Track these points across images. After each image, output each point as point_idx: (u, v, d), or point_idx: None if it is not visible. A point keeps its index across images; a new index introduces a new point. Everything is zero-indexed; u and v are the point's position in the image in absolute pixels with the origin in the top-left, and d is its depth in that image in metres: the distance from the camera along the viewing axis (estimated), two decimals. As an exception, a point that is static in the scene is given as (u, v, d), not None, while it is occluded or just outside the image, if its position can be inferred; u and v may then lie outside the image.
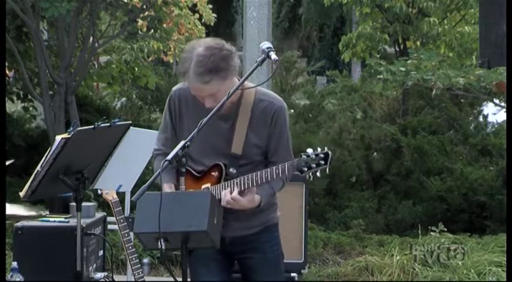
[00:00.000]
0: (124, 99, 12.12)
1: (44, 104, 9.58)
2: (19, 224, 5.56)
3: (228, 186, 3.94)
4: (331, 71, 13.74)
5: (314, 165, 3.81)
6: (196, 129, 3.76)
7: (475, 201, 9.55)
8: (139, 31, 10.39)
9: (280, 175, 3.87)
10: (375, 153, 10.38)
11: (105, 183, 4.79)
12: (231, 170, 3.98)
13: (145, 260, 7.88)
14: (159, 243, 3.67)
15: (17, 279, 4.82)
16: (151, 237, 3.71)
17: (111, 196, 5.56)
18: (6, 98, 10.42)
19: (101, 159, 4.55)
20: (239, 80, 3.94)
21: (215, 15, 12.30)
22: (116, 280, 5.96)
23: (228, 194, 3.90)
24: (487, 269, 7.33)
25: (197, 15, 11.96)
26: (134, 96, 12.00)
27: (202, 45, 3.85)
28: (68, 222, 5.66)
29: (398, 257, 7.69)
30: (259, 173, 3.90)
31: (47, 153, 4.29)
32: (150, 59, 12.28)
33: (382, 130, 10.33)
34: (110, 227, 6.30)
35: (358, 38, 11.51)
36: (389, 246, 8.06)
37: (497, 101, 9.67)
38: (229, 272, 4.20)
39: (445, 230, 7.88)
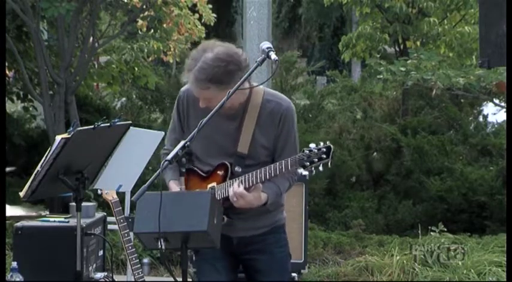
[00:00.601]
0: (124, 99, 12.11)
1: (44, 104, 9.58)
2: (19, 224, 5.57)
3: (232, 184, 3.94)
4: (331, 71, 13.76)
5: (316, 160, 3.82)
6: (197, 129, 3.78)
7: (475, 201, 9.55)
8: (139, 31, 10.39)
9: (284, 170, 3.87)
10: (375, 153, 10.38)
11: (105, 183, 4.78)
12: (236, 168, 3.99)
13: (145, 260, 7.88)
14: (159, 243, 3.68)
15: (17, 279, 4.82)
16: (151, 237, 3.71)
17: (111, 196, 5.56)
18: (6, 98, 10.42)
19: (101, 159, 4.54)
20: (249, 85, 3.96)
21: (215, 15, 12.30)
22: (116, 280, 5.96)
23: (234, 189, 3.90)
24: (487, 269, 7.33)
25: (197, 15, 11.96)
26: (134, 96, 11.99)
27: (213, 52, 3.85)
28: (68, 222, 5.66)
29: (398, 257, 7.70)
30: (263, 169, 3.90)
31: (47, 153, 4.28)
32: (150, 59, 12.27)
33: (382, 130, 10.33)
34: (110, 227, 6.31)
35: (358, 38, 11.51)
36: (389, 246, 8.06)
37: (497, 101, 9.68)
38: (236, 272, 4.20)
39: (445, 230, 7.88)
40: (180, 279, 3.84)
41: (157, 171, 3.67)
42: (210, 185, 4.04)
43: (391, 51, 11.96)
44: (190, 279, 5.55)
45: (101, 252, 5.98)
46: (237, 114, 3.99)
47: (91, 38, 9.73)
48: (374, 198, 9.87)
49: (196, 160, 4.11)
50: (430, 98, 10.60)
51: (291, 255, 4.27)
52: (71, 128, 4.27)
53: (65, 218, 5.73)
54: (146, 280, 5.69)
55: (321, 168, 3.84)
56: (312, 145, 3.84)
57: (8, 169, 5.20)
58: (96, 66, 11.27)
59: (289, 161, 3.85)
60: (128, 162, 4.63)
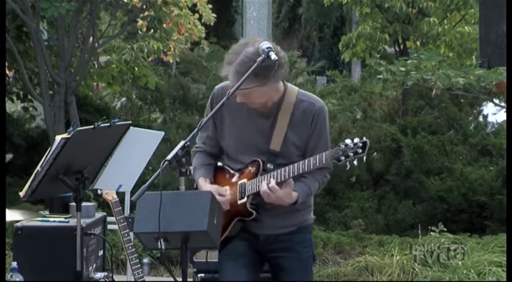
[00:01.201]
0: (124, 99, 12.12)
1: (44, 104, 9.57)
2: (19, 224, 5.56)
3: (264, 179, 3.96)
4: (331, 71, 13.76)
5: (352, 154, 3.85)
6: (196, 129, 3.81)
7: (475, 201, 9.55)
8: (139, 31, 10.38)
9: (318, 164, 3.89)
10: (375, 153, 10.38)
11: (105, 183, 4.78)
12: (268, 165, 4.01)
13: (145, 260, 7.89)
14: (159, 243, 3.68)
15: (17, 279, 4.82)
16: (151, 237, 3.71)
17: (111, 196, 5.56)
18: (6, 98, 10.41)
19: (100, 159, 4.54)
20: (284, 85, 4.02)
21: (215, 15, 12.29)
22: (116, 280, 5.95)
23: (265, 184, 3.92)
24: (487, 269, 7.33)
25: (197, 15, 11.95)
26: (134, 96, 11.99)
27: (254, 46, 3.88)
28: (68, 222, 5.66)
29: (398, 257, 7.70)
30: (296, 164, 3.92)
31: (46, 153, 4.28)
32: (150, 59, 12.27)
33: (382, 130, 10.33)
34: (109, 227, 6.30)
35: (358, 38, 11.51)
36: (389, 246, 8.07)
37: (497, 101, 9.68)
38: (258, 269, 4.21)
39: (445, 230, 7.88)
40: (180, 279, 3.84)
41: (157, 171, 3.67)
42: (240, 182, 4.04)
43: (391, 51, 11.96)
44: (191, 279, 5.56)
45: (101, 252, 5.97)
46: (270, 112, 4.02)
47: (91, 38, 9.72)
48: (374, 198, 9.87)
49: (226, 158, 4.15)
50: (430, 98, 10.60)
51: (315, 257, 4.28)
52: (71, 128, 4.27)
53: (65, 218, 5.72)
54: (146, 280, 5.69)
55: (355, 162, 3.86)
56: (348, 140, 3.88)
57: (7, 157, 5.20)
58: (96, 66, 11.27)
59: (324, 155, 3.88)
60: (128, 162, 4.63)
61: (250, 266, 4.12)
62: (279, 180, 3.92)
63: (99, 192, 5.58)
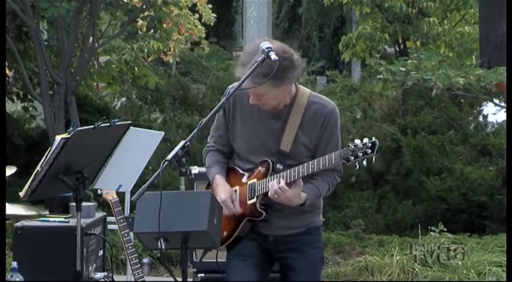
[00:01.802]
0: (124, 99, 12.11)
1: (44, 104, 9.57)
2: (19, 224, 5.56)
3: (274, 178, 3.96)
4: (331, 71, 13.76)
5: (361, 154, 3.86)
6: (196, 129, 3.80)
7: (475, 201, 9.55)
8: (139, 31, 10.38)
9: (327, 164, 3.90)
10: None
11: (105, 183, 4.78)
12: (278, 166, 4.02)
13: (145, 260, 7.89)
14: (159, 243, 3.68)
15: (17, 279, 4.82)
16: (151, 237, 3.71)
17: (111, 196, 5.56)
18: (6, 98, 10.41)
19: (100, 159, 4.54)
20: (296, 87, 4.03)
21: (215, 15, 12.29)
22: (116, 280, 5.96)
23: (275, 184, 3.92)
24: (487, 269, 7.33)
25: (197, 15, 11.95)
26: (134, 96, 11.98)
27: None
28: (68, 222, 5.66)
29: (398, 257, 7.70)
30: (305, 164, 3.93)
31: (46, 153, 4.28)
32: (150, 59, 12.27)
33: (382, 130, 10.33)
34: (109, 227, 6.30)
35: (358, 38, 11.51)
36: (389, 246, 8.07)
37: (497, 101, 9.67)
38: (266, 270, 4.21)
39: (445, 230, 7.88)
40: (180, 279, 3.84)
41: (158, 171, 3.67)
42: (250, 182, 4.05)
43: (391, 51, 11.95)
44: (191, 279, 5.57)
45: (101, 252, 5.97)
46: (281, 113, 4.03)
47: (91, 38, 9.72)
48: (374, 198, 9.87)
49: (237, 158, 4.16)
50: (430, 98, 10.60)
51: (324, 259, 4.29)
52: (71, 128, 4.27)
53: (65, 218, 5.72)
54: (146, 280, 5.69)
55: (364, 162, 3.88)
56: (357, 141, 3.89)
57: (8, 172, 5.20)
58: (96, 66, 11.26)
59: (333, 155, 3.89)
60: (128, 162, 4.63)
61: (259, 267, 4.13)
62: (288, 181, 3.93)
63: (99, 192, 5.58)
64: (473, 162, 10.22)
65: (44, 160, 4.27)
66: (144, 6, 9.79)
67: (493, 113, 10.81)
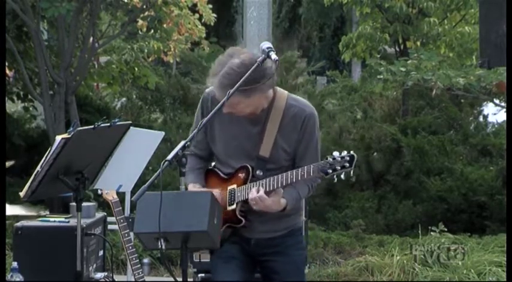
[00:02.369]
0: (124, 99, 12.12)
1: (44, 104, 9.57)
2: (19, 224, 5.56)
3: (254, 186, 3.95)
4: (331, 71, 13.76)
5: (339, 168, 3.83)
6: (196, 129, 3.80)
7: (475, 201, 9.55)
8: (139, 31, 10.38)
9: (305, 176, 3.89)
10: (375, 153, 10.38)
11: (105, 183, 4.78)
12: (257, 172, 4.00)
13: (145, 260, 7.89)
14: (159, 243, 3.68)
15: (17, 279, 4.82)
16: (151, 237, 3.71)
17: (111, 196, 5.56)
18: (6, 98, 10.42)
19: (101, 159, 4.54)
20: (274, 90, 3.98)
21: (215, 15, 12.29)
22: (116, 280, 5.95)
23: (254, 193, 3.91)
24: (487, 269, 7.33)
25: (197, 15, 11.96)
26: (134, 96, 12.00)
27: (240, 58, 3.84)
28: (68, 222, 5.66)
29: (398, 257, 7.70)
30: (284, 174, 3.92)
31: (47, 153, 4.28)
32: (150, 59, 12.28)
33: (382, 130, 10.33)
34: (110, 227, 6.30)
35: (358, 38, 11.52)
36: (389, 246, 8.07)
37: (497, 101, 9.66)
38: (250, 272, 4.20)
39: (445, 230, 7.88)
40: (180, 279, 3.84)
41: (158, 171, 3.67)
42: (230, 187, 4.04)
43: (391, 51, 11.96)
44: (191, 279, 5.56)
45: (101, 252, 5.97)
46: (259, 118, 4.00)
47: (91, 38, 9.72)
48: (374, 198, 9.87)
49: (217, 161, 4.13)
50: (430, 98, 10.61)
51: (307, 259, 4.28)
52: (71, 128, 4.27)
53: (65, 218, 5.72)
54: (146, 280, 5.69)
55: (342, 176, 3.85)
56: (336, 153, 3.86)
57: (7, 164, 5.19)
58: (96, 66, 11.27)
59: (311, 167, 3.87)
60: (128, 162, 4.63)
61: (243, 269, 4.11)
62: (267, 190, 3.92)
63: (99, 192, 5.57)
64: (473, 162, 10.23)
65: (44, 160, 4.27)
66: (144, 6, 9.79)
67: (493, 113, 10.81)
